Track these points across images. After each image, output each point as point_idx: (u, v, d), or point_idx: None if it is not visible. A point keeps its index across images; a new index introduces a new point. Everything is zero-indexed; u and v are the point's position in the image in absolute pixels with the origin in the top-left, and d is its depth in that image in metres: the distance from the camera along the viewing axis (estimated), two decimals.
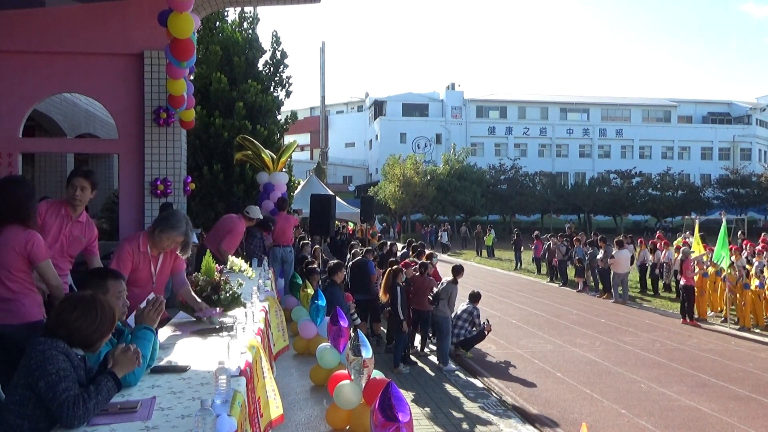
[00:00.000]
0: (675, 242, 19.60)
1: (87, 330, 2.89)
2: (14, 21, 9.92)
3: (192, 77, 10.81)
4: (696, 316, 14.61)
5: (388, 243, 17.48)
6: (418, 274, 10.66)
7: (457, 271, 10.80)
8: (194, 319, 4.93)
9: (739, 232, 27.31)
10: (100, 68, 10.34)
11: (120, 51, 10.33)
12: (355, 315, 10.82)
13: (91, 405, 2.72)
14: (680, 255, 14.93)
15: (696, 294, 14.54)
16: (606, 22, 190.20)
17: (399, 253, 15.22)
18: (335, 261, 11.03)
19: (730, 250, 15.03)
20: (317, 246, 14.80)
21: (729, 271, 14.19)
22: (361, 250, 13.43)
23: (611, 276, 17.77)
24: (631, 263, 19.77)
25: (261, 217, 10.12)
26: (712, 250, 15.40)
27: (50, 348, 2.75)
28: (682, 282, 14.64)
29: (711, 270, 15.27)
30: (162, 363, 3.65)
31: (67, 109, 13.50)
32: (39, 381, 2.67)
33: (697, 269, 14.74)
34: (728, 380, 9.53)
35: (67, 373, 2.72)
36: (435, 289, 10.63)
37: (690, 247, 15.92)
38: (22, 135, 10.43)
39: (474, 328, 11.05)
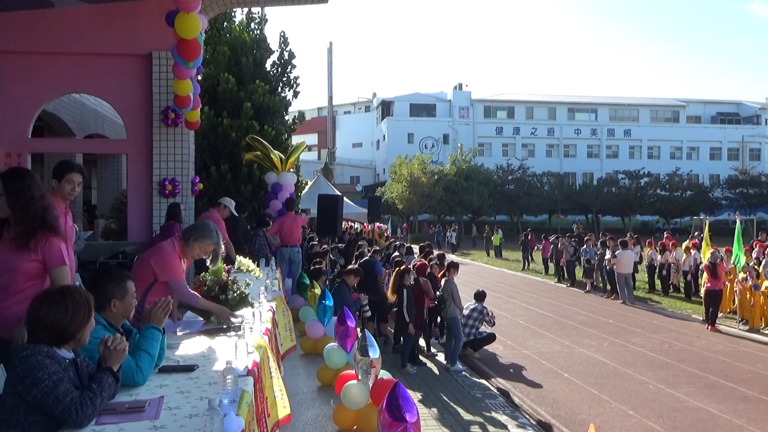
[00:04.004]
0: (684, 243, 19.51)
1: (61, 322, 2.82)
2: (23, 22, 9.97)
3: (200, 78, 10.84)
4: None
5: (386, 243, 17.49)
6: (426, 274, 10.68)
7: (450, 267, 10.83)
8: (202, 319, 4.96)
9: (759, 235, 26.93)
10: (109, 69, 10.39)
11: (128, 51, 10.38)
12: (367, 307, 10.82)
13: (98, 402, 2.74)
14: (709, 259, 14.40)
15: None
16: (614, 23, 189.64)
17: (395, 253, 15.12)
18: (354, 267, 11.00)
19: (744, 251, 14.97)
20: (325, 246, 14.81)
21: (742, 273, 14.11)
22: (368, 250, 13.44)
23: (616, 276, 17.72)
24: (639, 263, 19.74)
25: (233, 209, 10.23)
26: (730, 251, 15.32)
27: (34, 354, 2.70)
28: (707, 286, 14.05)
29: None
30: (169, 363, 3.67)
31: (75, 109, 13.57)
32: (31, 389, 2.64)
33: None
34: (737, 382, 9.48)
35: (60, 375, 2.71)
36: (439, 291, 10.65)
37: (699, 250, 15.81)
38: (31, 135, 10.48)
39: (484, 326, 11.08)
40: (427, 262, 11.51)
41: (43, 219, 3.83)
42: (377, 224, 23.32)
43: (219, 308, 4.82)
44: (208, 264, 5.20)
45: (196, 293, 4.88)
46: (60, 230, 4.00)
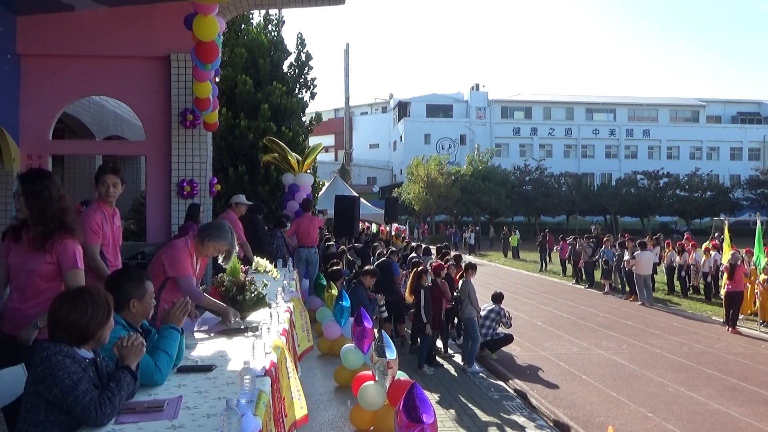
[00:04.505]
0: (704, 244, 19.33)
1: (81, 322, 2.85)
2: (44, 25, 10.09)
3: (217, 79, 10.90)
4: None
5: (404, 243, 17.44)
6: (443, 275, 10.68)
7: (467, 269, 10.81)
8: (221, 319, 4.98)
9: None
10: (128, 71, 10.48)
11: (147, 54, 10.46)
12: (384, 308, 10.81)
13: (117, 401, 2.76)
14: (730, 260, 14.16)
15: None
16: (632, 22, 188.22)
17: (413, 254, 15.13)
18: (371, 267, 11.01)
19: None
20: (342, 246, 14.84)
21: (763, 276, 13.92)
22: (385, 251, 13.43)
23: (635, 277, 17.57)
24: (659, 265, 19.56)
25: (246, 202, 10.19)
26: (750, 252, 15.12)
27: (55, 353, 2.74)
28: (728, 288, 13.82)
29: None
30: (188, 363, 3.69)
31: (95, 111, 13.68)
32: (52, 389, 2.67)
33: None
34: (758, 384, 9.37)
35: (80, 375, 2.74)
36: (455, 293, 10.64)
37: (719, 251, 15.63)
38: (51, 137, 10.60)
39: (501, 327, 11.06)
40: (443, 263, 11.50)
41: (61, 221, 3.81)
42: (396, 225, 23.28)
43: (224, 309, 4.81)
44: (220, 262, 5.23)
45: (201, 291, 4.90)
46: (77, 233, 3.97)
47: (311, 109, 20.12)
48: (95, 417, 2.67)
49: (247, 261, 8.23)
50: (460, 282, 10.66)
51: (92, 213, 4.86)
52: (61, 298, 2.96)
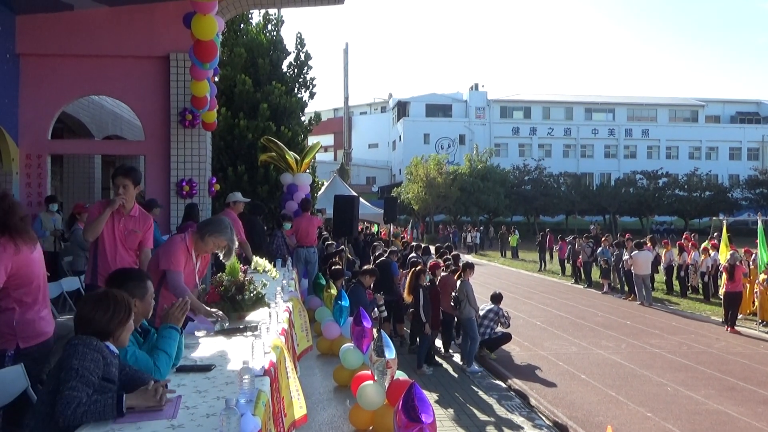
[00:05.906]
0: (703, 244, 19.34)
1: (102, 320, 2.98)
2: (43, 24, 10.10)
3: (216, 79, 10.91)
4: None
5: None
6: (444, 274, 10.69)
7: (465, 268, 10.80)
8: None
9: None
10: (127, 70, 10.49)
11: (146, 53, 10.47)
12: (383, 308, 10.79)
13: (80, 412, 2.65)
14: (728, 260, 14.12)
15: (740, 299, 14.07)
16: (631, 21, 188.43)
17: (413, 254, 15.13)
18: (370, 267, 10.99)
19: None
20: (342, 246, 14.84)
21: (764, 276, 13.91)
22: (384, 251, 13.43)
23: (634, 277, 17.58)
24: (658, 264, 19.55)
25: (243, 199, 10.11)
26: (749, 252, 15.11)
27: (83, 344, 2.82)
28: (727, 288, 13.78)
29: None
30: (187, 362, 3.69)
31: (94, 111, 13.68)
32: (62, 372, 2.76)
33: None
34: (757, 384, 9.37)
35: (86, 372, 2.75)
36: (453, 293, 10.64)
37: (717, 251, 15.63)
38: (50, 137, 10.60)
39: (499, 327, 11.06)
40: (441, 262, 11.49)
41: (5, 223, 3.61)
42: (400, 228, 23.24)
43: (206, 311, 4.77)
44: (221, 258, 5.22)
45: (187, 288, 4.86)
46: (24, 235, 3.73)
47: (310, 109, 20.17)
48: (58, 411, 2.63)
49: (246, 260, 8.23)
50: (458, 282, 10.66)
51: (96, 203, 5.51)
52: (87, 298, 3.14)
